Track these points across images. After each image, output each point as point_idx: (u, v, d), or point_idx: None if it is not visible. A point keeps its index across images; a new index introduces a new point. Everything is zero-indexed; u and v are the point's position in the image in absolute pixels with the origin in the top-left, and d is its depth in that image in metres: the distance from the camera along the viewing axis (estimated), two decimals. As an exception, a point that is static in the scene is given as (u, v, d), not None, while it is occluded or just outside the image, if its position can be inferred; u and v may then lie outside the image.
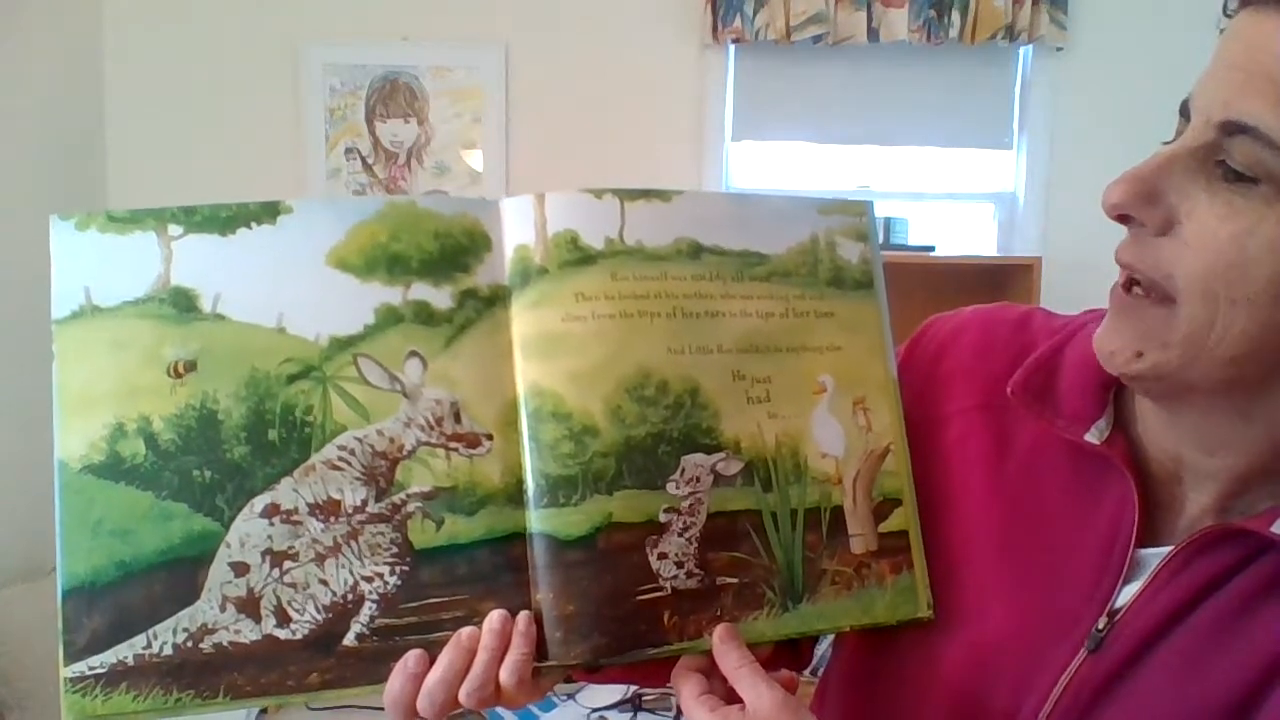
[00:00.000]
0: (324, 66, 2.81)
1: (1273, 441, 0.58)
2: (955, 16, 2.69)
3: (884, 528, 0.67)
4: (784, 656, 0.74)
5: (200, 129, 2.83)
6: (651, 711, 2.10)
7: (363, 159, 2.84)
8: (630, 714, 2.10)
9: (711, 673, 0.61)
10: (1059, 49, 2.76)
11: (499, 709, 2.13)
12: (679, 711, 2.06)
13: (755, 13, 2.70)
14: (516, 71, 2.82)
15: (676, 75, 2.83)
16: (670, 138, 2.85)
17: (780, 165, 2.92)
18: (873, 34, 2.70)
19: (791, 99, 2.86)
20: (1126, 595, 0.60)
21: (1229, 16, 0.54)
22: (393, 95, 2.83)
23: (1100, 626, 0.60)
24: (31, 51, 2.53)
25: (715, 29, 2.72)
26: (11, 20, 2.42)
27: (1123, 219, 0.56)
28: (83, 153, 2.76)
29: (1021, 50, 2.82)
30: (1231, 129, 0.51)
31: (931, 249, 2.66)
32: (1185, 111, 0.56)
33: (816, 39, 2.71)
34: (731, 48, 2.81)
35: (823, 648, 0.81)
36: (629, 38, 2.83)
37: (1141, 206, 0.54)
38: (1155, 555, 0.60)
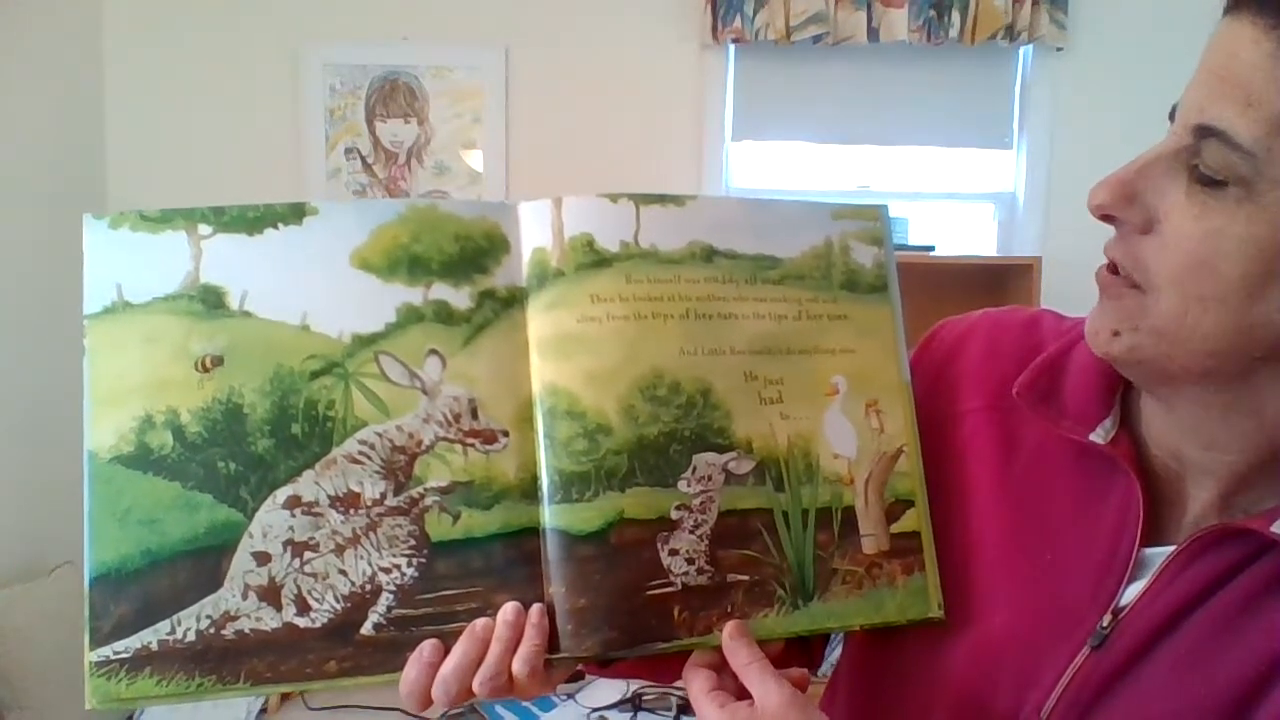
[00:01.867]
0: (324, 66, 2.82)
1: (1265, 433, 0.59)
2: (955, 16, 2.70)
3: (896, 529, 0.67)
4: (795, 656, 0.74)
5: (200, 129, 2.83)
6: (651, 711, 2.10)
7: (363, 159, 2.84)
8: (630, 714, 2.10)
9: (722, 669, 0.61)
10: (1059, 49, 2.77)
11: (498, 709, 2.13)
12: (679, 711, 2.07)
13: (755, 13, 2.70)
14: (516, 71, 2.83)
15: (676, 75, 2.83)
16: (670, 138, 2.85)
17: (780, 165, 2.92)
18: (873, 34, 2.71)
19: (791, 99, 2.86)
20: (1131, 594, 0.61)
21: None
22: (393, 95, 2.83)
23: (1104, 624, 0.61)
24: (32, 51, 2.53)
25: (715, 29, 2.73)
26: (11, 20, 2.42)
27: (1108, 219, 0.58)
28: (83, 153, 2.76)
29: (1021, 50, 2.83)
30: (1203, 133, 0.53)
31: (931, 249, 2.66)
32: (1173, 116, 0.57)
33: (816, 39, 2.71)
34: (731, 48, 2.81)
35: (836, 654, 0.81)
36: (629, 38, 2.83)
37: (1124, 207, 0.56)
38: (1159, 554, 0.61)
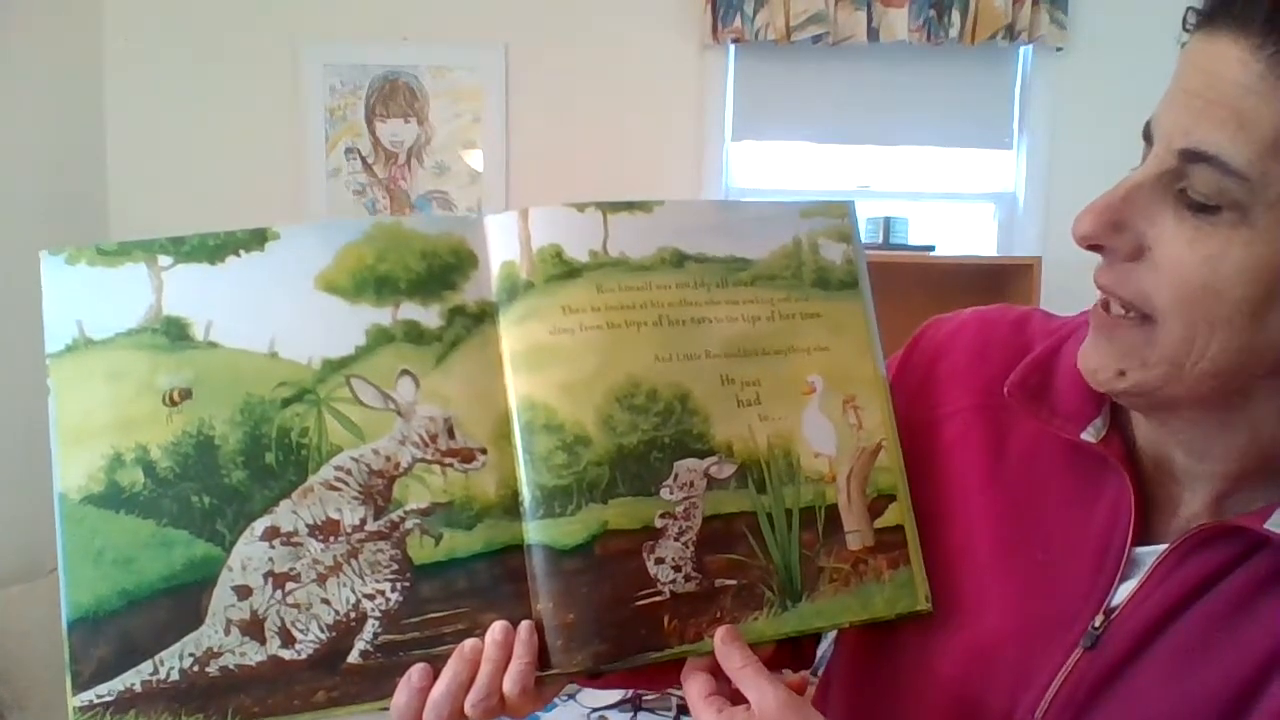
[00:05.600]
0: (324, 66, 2.82)
1: (1258, 446, 0.59)
2: (955, 16, 2.69)
3: (880, 523, 0.67)
4: (786, 656, 0.74)
5: (200, 129, 2.84)
6: (651, 711, 2.11)
7: (363, 159, 2.85)
8: (630, 714, 2.10)
9: (719, 673, 0.61)
10: (1059, 49, 2.76)
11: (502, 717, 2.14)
12: (679, 711, 2.07)
13: (755, 13, 2.70)
14: (516, 71, 2.83)
15: (676, 75, 2.83)
16: (670, 138, 2.85)
17: (780, 165, 2.92)
18: (873, 34, 2.70)
19: (791, 99, 2.86)
20: (1123, 593, 0.61)
21: (1188, 33, 0.55)
22: (393, 95, 2.84)
23: (1097, 624, 0.61)
24: (31, 53, 2.53)
25: (715, 29, 2.73)
26: (12, 22, 2.42)
27: (1094, 247, 0.57)
28: (83, 153, 2.76)
29: (1021, 50, 2.82)
30: (1192, 157, 0.52)
31: (931, 249, 2.65)
32: (1149, 135, 0.56)
33: (816, 39, 2.71)
34: (731, 48, 2.81)
35: (823, 647, 0.81)
36: (629, 38, 2.83)
37: (1110, 235, 0.55)
38: (1151, 553, 0.61)
